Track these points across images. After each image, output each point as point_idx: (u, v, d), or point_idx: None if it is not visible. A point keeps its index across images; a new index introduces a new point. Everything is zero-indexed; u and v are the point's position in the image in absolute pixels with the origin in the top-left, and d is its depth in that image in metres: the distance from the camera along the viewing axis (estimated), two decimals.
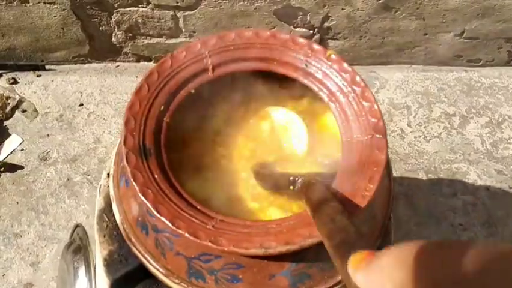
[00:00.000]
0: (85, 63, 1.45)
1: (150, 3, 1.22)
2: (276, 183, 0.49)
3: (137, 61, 1.45)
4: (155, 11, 1.25)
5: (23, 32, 1.32)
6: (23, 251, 1.11)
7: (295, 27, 1.30)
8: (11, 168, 1.23)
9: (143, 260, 0.48)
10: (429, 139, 1.31)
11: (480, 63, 1.44)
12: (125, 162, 0.43)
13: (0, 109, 1.33)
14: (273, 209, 0.49)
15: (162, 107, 0.47)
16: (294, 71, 0.50)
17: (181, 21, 1.29)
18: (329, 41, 1.36)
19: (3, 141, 1.28)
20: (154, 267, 0.47)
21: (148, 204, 0.41)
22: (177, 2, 1.21)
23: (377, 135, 0.45)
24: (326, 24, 1.29)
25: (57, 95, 1.38)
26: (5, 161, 1.25)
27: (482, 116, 1.35)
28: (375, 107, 0.46)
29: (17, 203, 1.19)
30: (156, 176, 0.43)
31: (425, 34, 1.33)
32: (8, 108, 1.34)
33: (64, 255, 0.66)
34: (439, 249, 0.21)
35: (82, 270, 0.60)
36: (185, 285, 0.45)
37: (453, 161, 1.26)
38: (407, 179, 1.23)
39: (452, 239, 1.14)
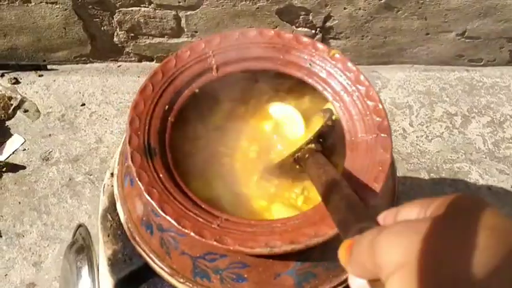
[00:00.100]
0: (86, 63, 1.45)
1: (152, 2, 1.22)
2: (283, 168, 0.49)
3: (139, 61, 1.45)
4: (157, 11, 1.25)
5: (25, 32, 1.32)
6: (26, 251, 1.12)
7: (297, 27, 1.30)
8: (13, 168, 1.24)
9: (148, 259, 0.48)
10: (431, 139, 1.31)
11: (482, 63, 1.44)
12: (130, 162, 0.43)
13: (2, 109, 1.33)
14: (278, 208, 0.48)
15: (167, 107, 0.47)
16: (298, 70, 0.50)
17: (183, 21, 1.28)
18: (330, 40, 1.36)
19: (5, 141, 1.28)
20: (158, 267, 0.47)
21: (153, 203, 0.40)
22: (179, 2, 1.21)
23: (382, 135, 0.45)
24: (328, 24, 1.29)
25: (59, 95, 1.38)
26: (7, 161, 1.25)
27: (484, 116, 1.35)
28: (380, 106, 0.46)
29: (19, 203, 1.19)
30: (161, 176, 0.42)
31: (427, 34, 1.33)
32: (10, 108, 1.34)
33: (66, 255, 0.66)
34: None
35: (85, 270, 0.60)
36: (191, 285, 0.45)
37: (455, 160, 1.26)
38: (409, 178, 1.23)
39: None
